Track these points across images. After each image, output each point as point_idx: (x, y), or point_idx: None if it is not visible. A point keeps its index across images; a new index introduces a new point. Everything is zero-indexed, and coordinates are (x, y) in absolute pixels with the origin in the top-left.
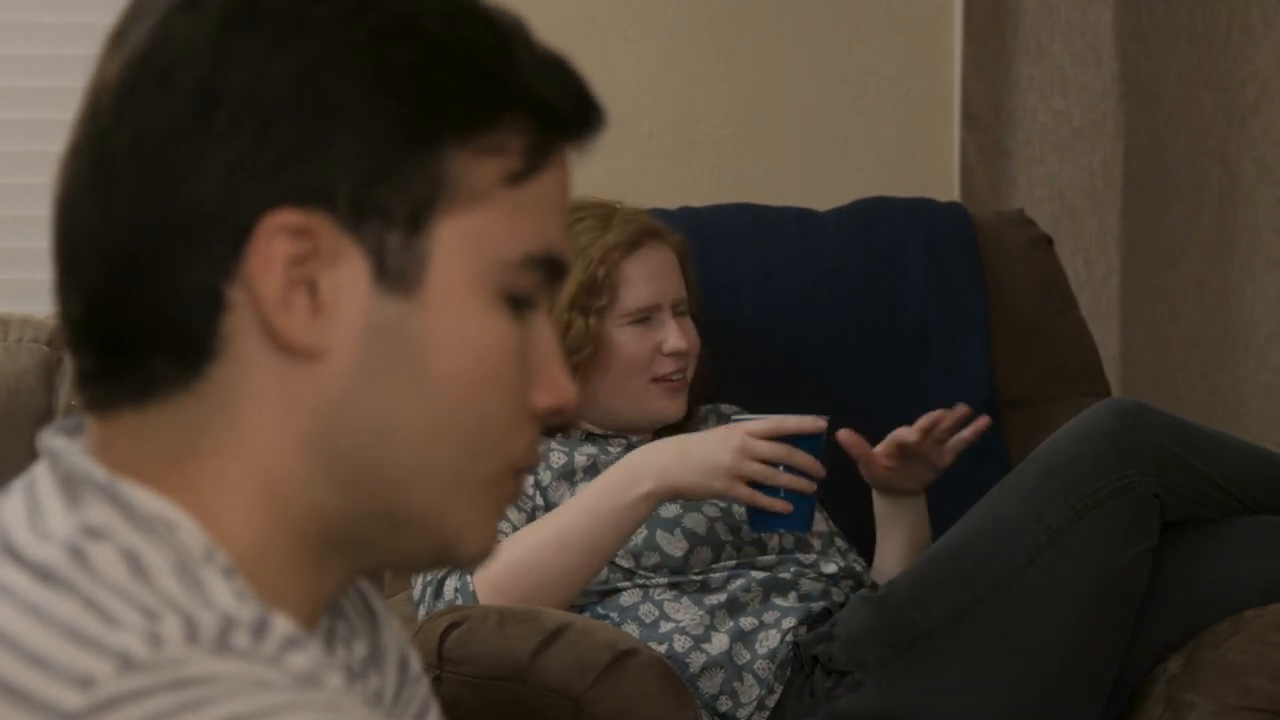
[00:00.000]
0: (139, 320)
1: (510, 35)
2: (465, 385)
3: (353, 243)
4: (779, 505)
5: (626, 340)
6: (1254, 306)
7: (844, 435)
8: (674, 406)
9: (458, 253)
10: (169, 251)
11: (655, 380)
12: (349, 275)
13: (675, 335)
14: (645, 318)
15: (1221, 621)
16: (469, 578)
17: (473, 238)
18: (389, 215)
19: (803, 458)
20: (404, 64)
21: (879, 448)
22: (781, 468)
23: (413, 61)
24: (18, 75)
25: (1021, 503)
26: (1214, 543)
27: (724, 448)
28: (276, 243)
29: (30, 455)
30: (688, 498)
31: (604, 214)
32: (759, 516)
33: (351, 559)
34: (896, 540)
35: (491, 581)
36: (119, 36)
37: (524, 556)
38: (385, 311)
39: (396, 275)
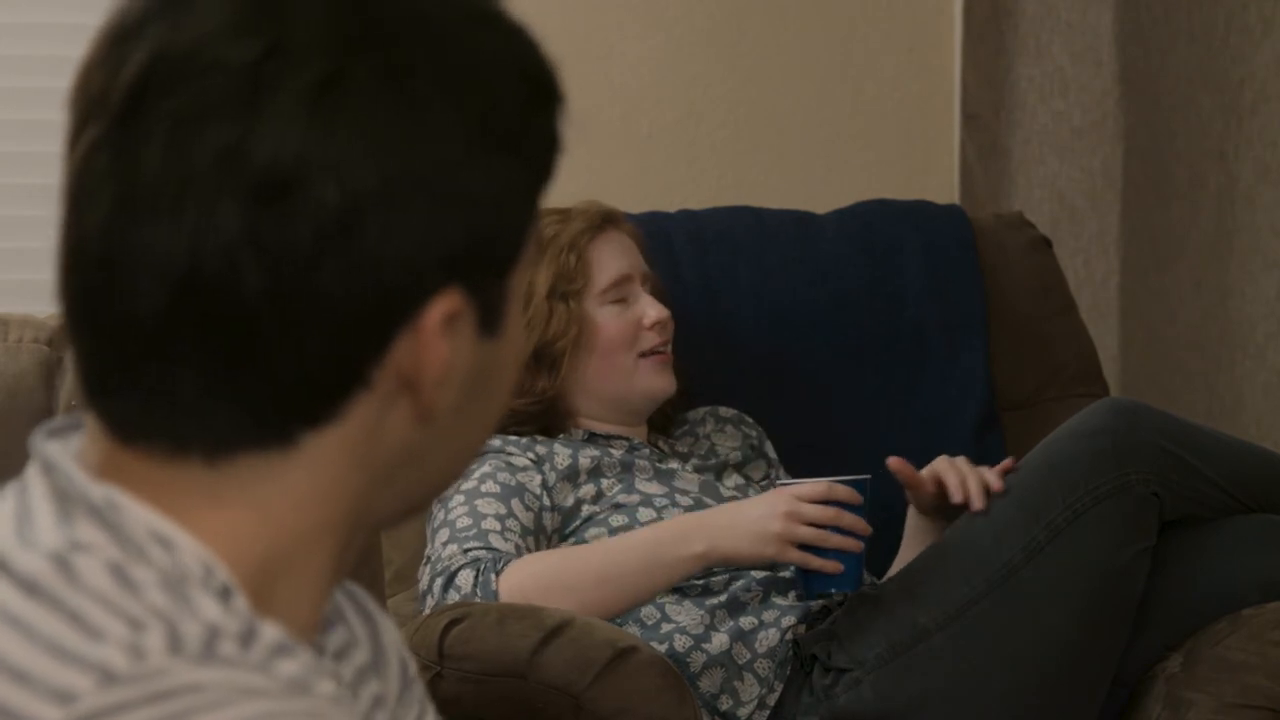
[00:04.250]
0: (257, 385)
1: None
2: (508, 396)
3: (468, 300)
4: (830, 566)
5: (607, 319)
6: (1252, 307)
7: (894, 462)
8: (665, 381)
9: (520, 283)
10: (328, 327)
11: (643, 355)
12: (464, 331)
13: (653, 307)
14: (621, 297)
15: (1220, 620)
16: (493, 576)
17: (525, 266)
18: (500, 270)
19: (851, 519)
20: (538, 148)
21: (923, 472)
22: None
23: (546, 143)
24: (18, 75)
25: (1020, 501)
26: (1212, 541)
27: (773, 514)
28: (439, 326)
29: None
30: (738, 564)
31: (561, 212)
32: (810, 580)
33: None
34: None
35: (522, 591)
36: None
37: (561, 577)
38: (481, 355)
39: (493, 321)
